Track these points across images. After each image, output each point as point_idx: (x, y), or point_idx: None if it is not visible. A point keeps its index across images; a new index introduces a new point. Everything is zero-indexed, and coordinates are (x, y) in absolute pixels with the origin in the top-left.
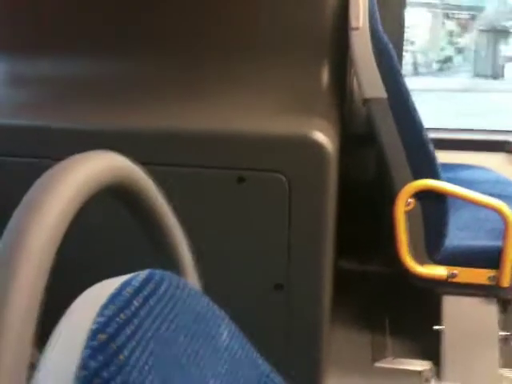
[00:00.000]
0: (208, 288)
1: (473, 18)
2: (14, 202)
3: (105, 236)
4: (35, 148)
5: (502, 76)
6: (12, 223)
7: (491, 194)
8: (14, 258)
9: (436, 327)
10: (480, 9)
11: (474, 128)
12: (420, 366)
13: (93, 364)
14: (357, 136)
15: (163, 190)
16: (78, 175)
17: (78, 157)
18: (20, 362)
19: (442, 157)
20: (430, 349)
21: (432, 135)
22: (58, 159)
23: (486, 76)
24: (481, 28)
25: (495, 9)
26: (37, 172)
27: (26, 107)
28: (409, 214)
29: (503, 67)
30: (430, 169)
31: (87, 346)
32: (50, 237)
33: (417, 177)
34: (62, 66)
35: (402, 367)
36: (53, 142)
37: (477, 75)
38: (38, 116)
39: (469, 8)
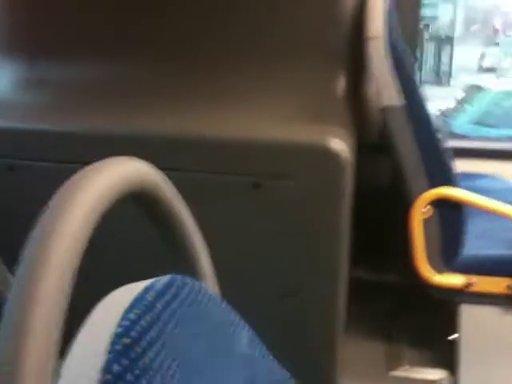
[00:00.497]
0: (224, 294)
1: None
2: (34, 207)
3: (126, 241)
4: (53, 153)
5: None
6: (36, 230)
7: (507, 203)
8: (38, 265)
9: (452, 337)
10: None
11: (490, 136)
12: (436, 375)
13: (117, 368)
14: (371, 144)
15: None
16: (102, 181)
17: (101, 163)
18: (46, 367)
19: (458, 165)
20: (446, 358)
21: (448, 143)
22: (75, 163)
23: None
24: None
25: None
26: (57, 176)
27: (43, 111)
28: (426, 223)
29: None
30: (447, 177)
31: (111, 350)
32: (73, 243)
33: (434, 185)
34: (79, 69)
35: (417, 376)
36: (72, 147)
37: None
38: (55, 120)
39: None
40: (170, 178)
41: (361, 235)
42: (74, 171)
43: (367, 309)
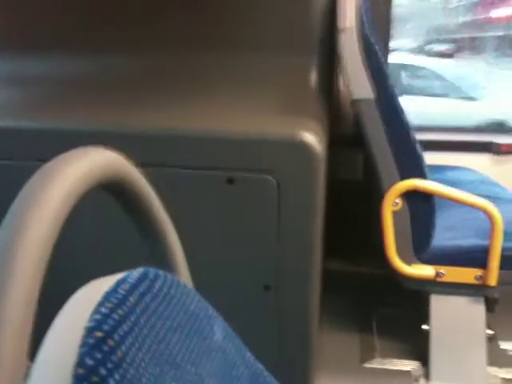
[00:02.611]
0: (198, 288)
1: None
2: (8, 203)
3: (98, 234)
4: (33, 150)
5: None
6: (8, 218)
7: (477, 195)
8: (10, 254)
9: (424, 327)
10: None
11: (459, 127)
12: (409, 365)
13: (90, 362)
14: (344, 137)
15: (154, 190)
16: (74, 170)
17: (72, 152)
18: (18, 359)
19: (428, 158)
20: (419, 349)
21: (418, 136)
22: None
23: None
24: None
25: None
26: (26, 174)
27: (23, 108)
28: (396, 214)
29: None
30: (417, 169)
31: (84, 344)
32: (45, 233)
33: (404, 177)
34: (61, 65)
35: (390, 367)
36: (49, 144)
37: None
38: (36, 117)
39: None
40: (145, 173)
41: (334, 227)
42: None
43: (340, 300)
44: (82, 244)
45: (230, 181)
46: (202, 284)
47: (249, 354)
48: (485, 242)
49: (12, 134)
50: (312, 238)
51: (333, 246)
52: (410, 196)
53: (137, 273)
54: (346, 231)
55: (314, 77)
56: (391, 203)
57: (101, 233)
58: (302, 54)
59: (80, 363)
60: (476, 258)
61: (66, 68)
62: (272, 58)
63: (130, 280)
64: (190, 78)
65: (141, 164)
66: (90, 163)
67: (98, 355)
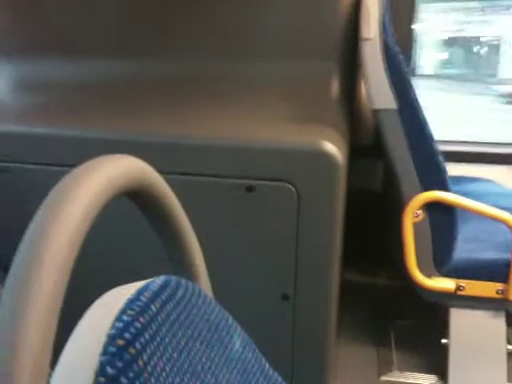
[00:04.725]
0: (216, 296)
1: None
2: (31, 209)
3: (121, 241)
4: (46, 155)
5: None
6: (32, 227)
7: (499, 207)
8: (35, 263)
9: (443, 341)
10: None
11: (479, 141)
12: (426, 380)
13: (111, 370)
14: (365, 146)
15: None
16: (99, 177)
17: (98, 160)
18: (40, 366)
19: (449, 169)
20: (437, 363)
21: (440, 147)
22: (70, 166)
23: None
24: None
25: None
26: (47, 179)
27: (38, 114)
28: (417, 226)
29: None
30: (439, 180)
31: (105, 352)
32: (70, 241)
33: (425, 188)
34: (73, 70)
35: (408, 381)
36: (67, 150)
37: None
38: (48, 123)
39: None
40: (166, 181)
41: (354, 237)
42: (61, 174)
43: (358, 312)
44: (106, 251)
45: (250, 189)
46: (221, 292)
47: (267, 365)
48: (506, 256)
49: (27, 139)
50: (331, 248)
51: (351, 256)
52: (432, 208)
53: (159, 281)
54: (364, 242)
55: (335, 86)
56: (412, 215)
57: (124, 240)
58: (323, 63)
59: (101, 371)
60: (497, 271)
61: (76, 74)
62: (294, 67)
63: (151, 288)
64: (211, 87)
65: (160, 172)
66: (115, 170)
67: (120, 364)
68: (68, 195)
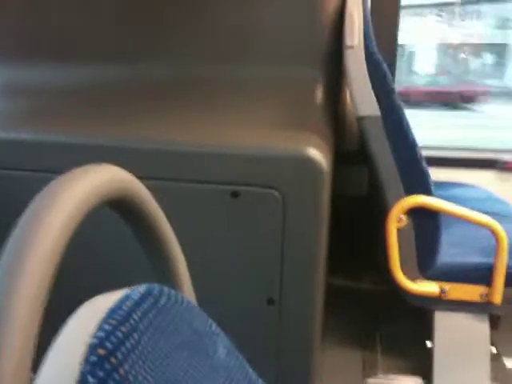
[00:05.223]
0: (201, 301)
1: None
2: (13, 215)
3: (102, 250)
4: (32, 161)
5: None
6: (14, 235)
7: (482, 212)
8: (15, 271)
9: (428, 344)
10: None
11: (465, 146)
12: (412, 382)
13: (92, 380)
14: (350, 153)
15: (158, 204)
16: (81, 187)
17: (80, 169)
18: (21, 372)
19: (433, 174)
20: (422, 365)
21: (423, 153)
22: (57, 172)
23: None
24: None
25: None
26: (33, 185)
27: (25, 119)
28: (401, 231)
29: None
30: (423, 186)
31: (86, 362)
32: (51, 250)
33: (409, 193)
34: (58, 76)
35: (393, 383)
36: (50, 156)
37: None
38: (35, 129)
39: None
40: (149, 187)
41: (339, 243)
42: (48, 180)
43: (344, 316)
44: (87, 259)
45: (235, 195)
46: (206, 297)
47: (251, 371)
48: (490, 260)
49: (16, 144)
50: (316, 252)
51: (336, 261)
52: (416, 212)
53: (141, 289)
54: (350, 247)
55: (320, 93)
56: (396, 219)
57: (106, 248)
58: (308, 70)
59: (82, 381)
60: (481, 275)
61: (65, 78)
62: (280, 73)
63: (133, 297)
64: (197, 92)
65: (146, 178)
66: (97, 180)
67: (101, 373)
68: (50, 204)
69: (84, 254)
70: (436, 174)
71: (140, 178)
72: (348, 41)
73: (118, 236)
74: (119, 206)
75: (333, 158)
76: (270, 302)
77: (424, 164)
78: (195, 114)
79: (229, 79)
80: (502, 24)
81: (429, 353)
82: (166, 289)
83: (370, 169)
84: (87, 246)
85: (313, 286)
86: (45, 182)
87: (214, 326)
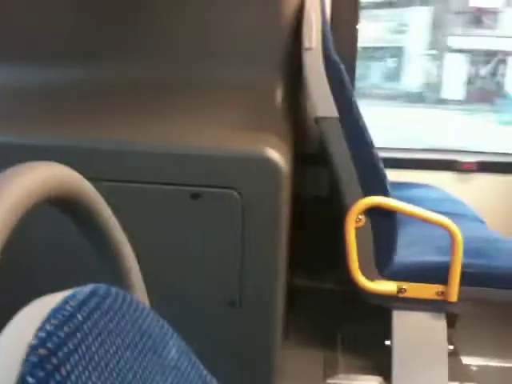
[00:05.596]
0: (160, 303)
1: None
2: None
3: (49, 249)
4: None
5: None
6: None
7: (439, 212)
8: None
9: (387, 342)
10: None
11: (424, 147)
12: (372, 381)
13: (31, 380)
14: (310, 154)
15: (117, 206)
16: (18, 184)
17: (23, 166)
18: None
19: (392, 175)
20: (382, 364)
21: (382, 154)
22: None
23: None
24: None
25: None
26: None
27: None
28: (359, 231)
29: None
30: (380, 186)
31: (26, 362)
32: None
33: (367, 194)
34: (18, 75)
35: (353, 383)
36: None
37: None
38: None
39: None
40: (108, 188)
41: (300, 243)
42: None
43: (305, 316)
44: (31, 259)
45: (194, 196)
46: (165, 298)
47: (206, 372)
48: (446, 259)
49: None
50: (276, 253)
51: (297, 261)
52: (373, 213)
53: (86, 289)
54: (311, 247)
55: (279, 94)
56: (354, 219)
57: (51, 247)
58: (267, 71)
59: (21, 381)
60: (437, 274)
61: (23, 79)
62: (237, 75)
63: (78, 296)
64: (153, 93)
65: (104, 179)
66: (35, 177)
67: (41, 373)
68: None
69: (28, 253)
70: (394, 175)
71: (98, 179)
72: (306, 42)
73: (65, 235)
74: (63, 204)
75: (292, 159)
76: (231, 303)
77: (381, 165)
78: (154, 115)
79: (188, 80)
80: (400, 29)
81: (388, 352)
82: (113, 289)
83: (329, 170)
84: (32, 246)
85: (273, 287)
86: None
87: (165, 326)
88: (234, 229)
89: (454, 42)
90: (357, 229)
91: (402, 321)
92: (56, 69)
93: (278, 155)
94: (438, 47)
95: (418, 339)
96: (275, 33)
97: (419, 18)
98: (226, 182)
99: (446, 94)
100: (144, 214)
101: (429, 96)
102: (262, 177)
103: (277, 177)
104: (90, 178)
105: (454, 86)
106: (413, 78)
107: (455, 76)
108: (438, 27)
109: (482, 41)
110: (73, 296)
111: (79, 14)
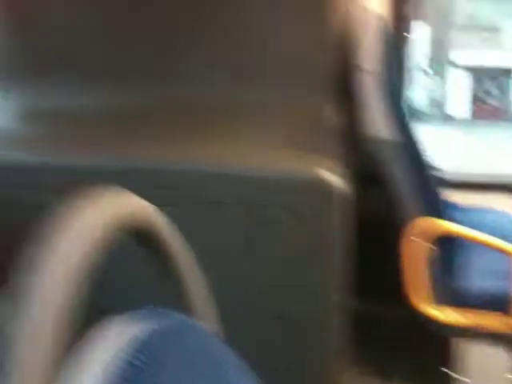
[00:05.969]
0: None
1: None
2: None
3: (122, 275)
4: (39, 183)
5: None
6: (28, 268)
7: (502, 236)
8: (33, 309)
9: (447, 371)
10: None
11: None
12: None
13: None
14: (365, 174)
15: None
16: (98, 217)
17: (96, 194)
18: None
19: (453, 198)
20: None
21: (440, 176)
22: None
23: None
24: None
25: None
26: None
27: (36, 143)
28: (419, 255)
29: None
30: (440, 209)
31: None
32: (70, 282)
33: (426, 217)
34: (67, 97)
35: None
36: (61, 179)
37: None
38: (47, 152)
39: None
40: (166, 210)
41: (363, 267)
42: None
43: (365, 343)
44: (101, 283)
45: (249, 217)
46: (225, 321)
47: None
48: (510, 287)
49: (28, 167)
50: (331, 276)
51: (359, 285)
52: (434, 237)
53: (160, 317)
54: (374, 271)
55: (331, 113)
56: (413, 244)
57: (126, 273)
58: (318, 91)
59: None
60: (501, 302)
61: (71, 100)
62: (288, 94)
63: (153, 325)
64: (204, 113)
65: (162, 201)
66: (114, 208)
67: None
68: (70, 232)
69: (99, 277)
70: (459, 197)
71: (156, 202)
72: (362, 62)
73: (135, 260)
74: (135, 235)
75: (347, 179)
76: (278, 318)
77: (437, 186)
78: (204, 138)
79: (237, 102)
80: None
81: (448, 380)
82: (186, 318)
83: (386, 192)
84: (108, 271)
85: (330, 309)
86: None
87: (236, 358)
88: (289, 250)
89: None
90: (416, 253)
91: (463, 350)
92: (101, 90)
93: (331, 176)
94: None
95: (479, 369)
96: (329, 50)
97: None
98: (280, 203)
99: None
100: (201, 236)
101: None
102: (316, 198)
103: (331, 198)
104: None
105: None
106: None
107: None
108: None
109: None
110: (147, 323)
111: (125, 36)
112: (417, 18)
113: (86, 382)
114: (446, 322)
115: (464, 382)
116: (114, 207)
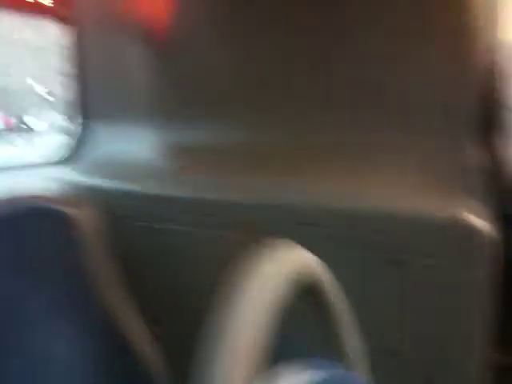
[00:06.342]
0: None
1: None
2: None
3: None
4: (193, 217)
5: None
6: (218, 330)
7: None
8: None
9: None
10: None
11: None
12: None
13: None
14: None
15: None
16: (280, 274)
17: (280, 254)
18: None
19: None
20: None
21: None
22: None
23: None
24: None
25: None
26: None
27: (180, 177)
28: None
29: None
30: None
31: None
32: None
33: None
34: (212, 133)
35: None
36: (208, 213)
37: None
38: (193, 187)
39: None
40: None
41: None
42: (210, 236)
43: None
44: None
45: (389, 262)
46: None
47: None
48: None
49: (173, 201)
50: (474, 326)
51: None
52: None
53: (326, 367)
54: None
55: (474, 152)
56: None
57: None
58: (459, 129)
59: None
60: None
61: (221, 137)
62: (428, 133)
63: (322, 375)
64: (344, 153)
65: (302, 238)
66: (293, 267)
67: None
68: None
69: None
70: None
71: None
72: (507, 99)
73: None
74: (303, 286)
75: (492, 221)
76: (428, 380)
77: None
78: (344, 177)
79: (377, 141)
80: None
81: None
82: (347, 369)
83: None
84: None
85: (470, 363)
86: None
87: None
88: (429, 300)
89: None
90: None
91: None
92: (250, 128)
93: (476, 219)
94: None
95: None
96: (467, 85)
97: None
98: (422, 248)
99: None
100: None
101: None
102: (462, 243)
103: (476, 242)
104: None
105: None
106: None
107: None
108: None
109: None
110: (315, 373)
111: (257, 75)
112: None
113: None
114: None
115: None
116: (292, 263)
